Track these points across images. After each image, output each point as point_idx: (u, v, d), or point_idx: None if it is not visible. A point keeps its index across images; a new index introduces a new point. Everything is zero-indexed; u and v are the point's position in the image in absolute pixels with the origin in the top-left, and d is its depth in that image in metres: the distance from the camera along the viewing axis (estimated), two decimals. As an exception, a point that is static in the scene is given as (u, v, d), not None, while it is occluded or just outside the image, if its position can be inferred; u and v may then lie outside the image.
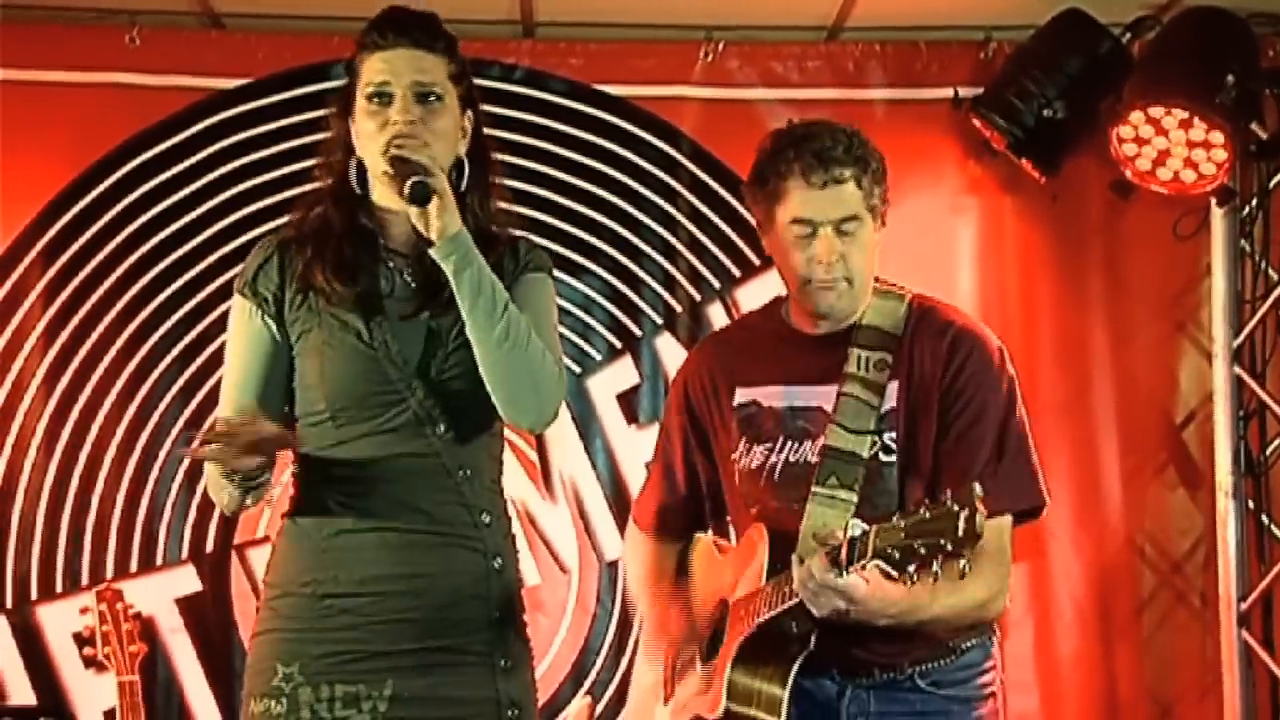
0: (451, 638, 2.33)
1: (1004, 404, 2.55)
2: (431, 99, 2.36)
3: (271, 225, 3.92)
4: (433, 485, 2.35)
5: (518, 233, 2.53)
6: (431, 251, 2.28)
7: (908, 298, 2.64)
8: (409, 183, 2.22)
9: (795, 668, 2.45)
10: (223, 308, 3.99)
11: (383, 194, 2.38)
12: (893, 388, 2.54)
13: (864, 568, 2.22)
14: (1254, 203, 4.22)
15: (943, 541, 2.11)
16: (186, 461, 4.05)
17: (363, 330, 2.34)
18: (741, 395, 2.66)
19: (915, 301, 2.63)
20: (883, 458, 2.52)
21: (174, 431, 4.07)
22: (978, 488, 2.11)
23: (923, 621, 2.41)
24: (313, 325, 2.36)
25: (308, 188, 2.51)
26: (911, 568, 2.15)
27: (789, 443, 2.59)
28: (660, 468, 2.86)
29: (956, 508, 2.11)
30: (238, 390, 2.40)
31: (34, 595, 4.02)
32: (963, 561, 2.11)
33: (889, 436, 2.53)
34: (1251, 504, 4.18)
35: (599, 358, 4.23)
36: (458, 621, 2.34)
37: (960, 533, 2.09)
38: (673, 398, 2.83)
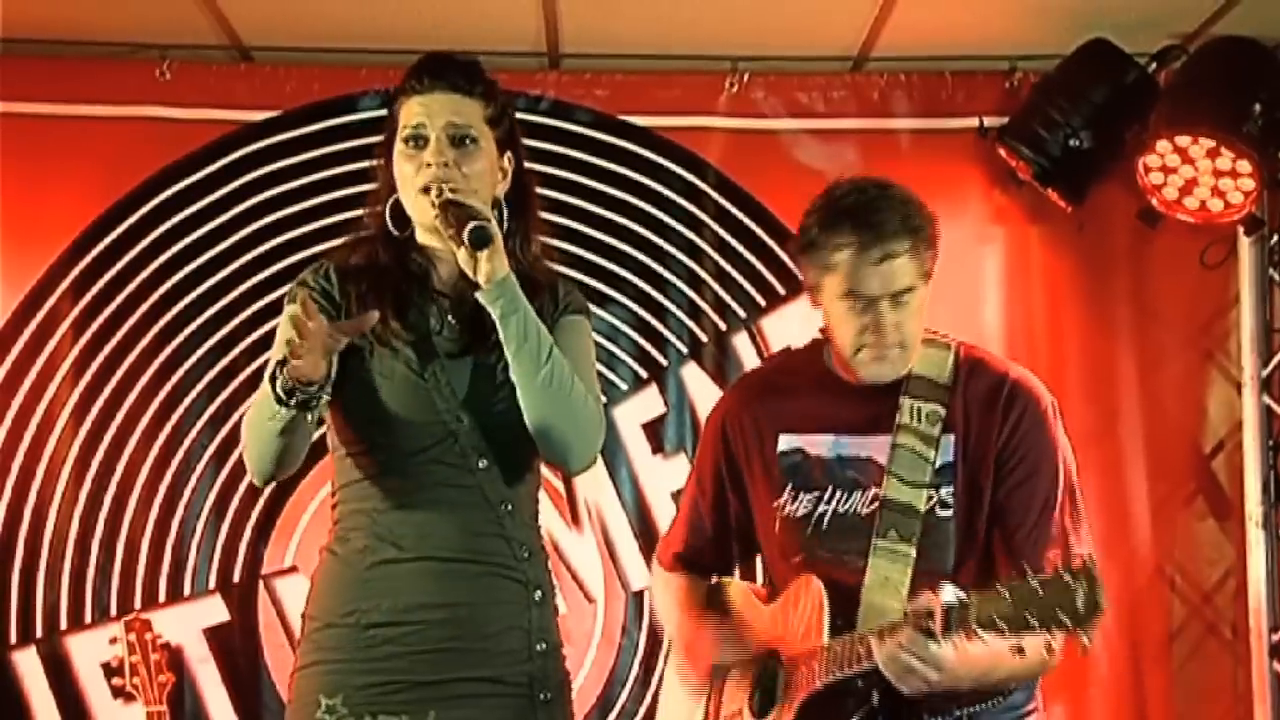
0: (493, 669, 2.34)
1: (1059, 458, 2.54)
2: (466, 142, 2.38)
3: (303, 254, 3.98)
4: (475, 517, 2.36)
5: (557, 268, 2.55)
6: (479, 295, 2.30)
7: (954, 346, 2.62)
8: (470, 227, 2.23)
9: None
10: (251, 338, 4.06)
11: (424, 235, 2.41)
12: (947, 441, 2.52)
13: (957, 636, 2.19)
14: (1282, 231, 4.21)
15: (1059, 614, 2.08)
16: (215, 493, 4.07)
17: (414, 361, 2.35)
18: (786, 442, 2.63)
19: (963, 351, 2.62)
20: (939, 513, 2.50)
21: (202, 463, 4.08)
22: (1091, 556, 2.10)
23: (999, 681, 2.41)
24: (364, 354, 2.36)
25: (354, 233, 2.52)
26: (1014, 638, 2.12)
27: (838, 493, 2.56)
28: (689, 507, 2.83)
29: (1070, 580, 2.07)
30: None
31: (63, 625, 4.04)
32: (1085, 637, 2.09)
33: (945, 491, 2.51)
34: (1282, 534, 4.17)
35: (625, 387, 4.23)
36: (499, 653, 2.34)
37: (1080, 606, 2.06)
38: (708, 436, 2.79)
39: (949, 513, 2.50)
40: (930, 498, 2.50)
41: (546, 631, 2.41)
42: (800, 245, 2.57)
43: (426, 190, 2.32)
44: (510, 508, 2.38)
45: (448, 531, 2.34)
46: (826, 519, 2.56)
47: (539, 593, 2.40)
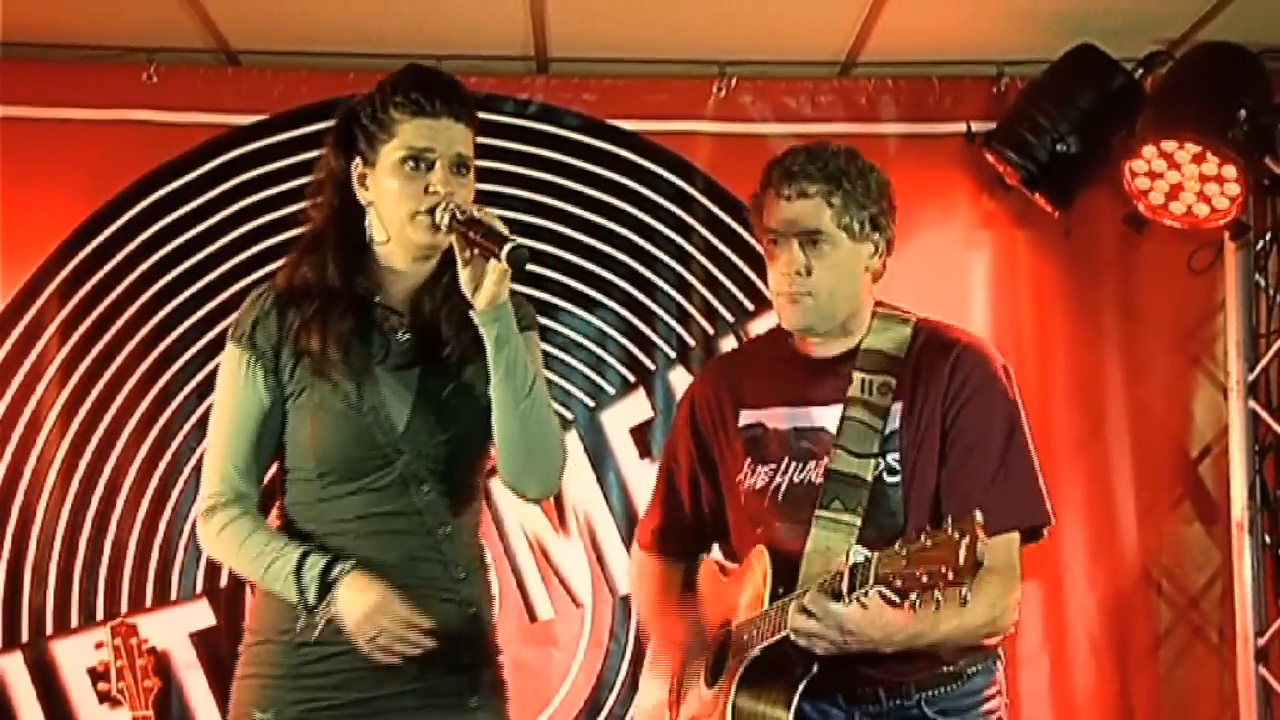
0: (424, 681, 2.39)
1: (1007, 421, 2.55)
2: (464, 170, 2.42)
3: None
4: (413, 543, 2.41)
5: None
6: (476, 315, 2.33)
7: (912, 320, 2.65)
8: (510, 247, 2.24)
9: (799, 692, 2.45)
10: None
11: (390, 252, 2.43)
12: (896, 409, 2.56)
13: (866, 595, 2.23)
14: (1268, 237, 4.22)
15: (944, 569, 2.12)
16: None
17: (353, 395, 2.39)
18: (746, 416, 2.68)
19: (920, 324, 2.65)
20: (886, 479, 2.54)
21: (189, 466, 4.07)
22: (979, 515, 2.12)
23: (933, 643, 2.42)
24: (306, 385, 2.41)
25: (299, 231, 2.54)
26: (914, 596, 2.16)
27: (793, 464, 2.60)
28: (663, 488, 2.88)
29: (957, 535, 2.12)
30: (229, 451, 2.44)
31: (49, 630, 4.02)
32: (964, 589, 2.12)
33: (892, 458, 2.54)
34: (1268, 539, 4.17)
35: (612, 391, 4.23)
36: (430, 666, 2.38)
37: (961, 560, 2.10)
38: (679, 418, 2.85)
39: (896, 479, 2.53)
40: (877, 466, 2.53)
41: (478, 643, 2.47)
42: (750, 205, 2.71)
43: (430, 212, 2.35)
44: (449, 530, 2.44)
45: (385, 557, 2.38)
46: (783, 490, 2.61)
47: (473, 609, 2.46)
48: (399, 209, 2.38)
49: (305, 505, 2.43)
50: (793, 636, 2.35)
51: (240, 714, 2.41)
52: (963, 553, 2.10)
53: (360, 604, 2.29)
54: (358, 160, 2.44)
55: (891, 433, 2.55)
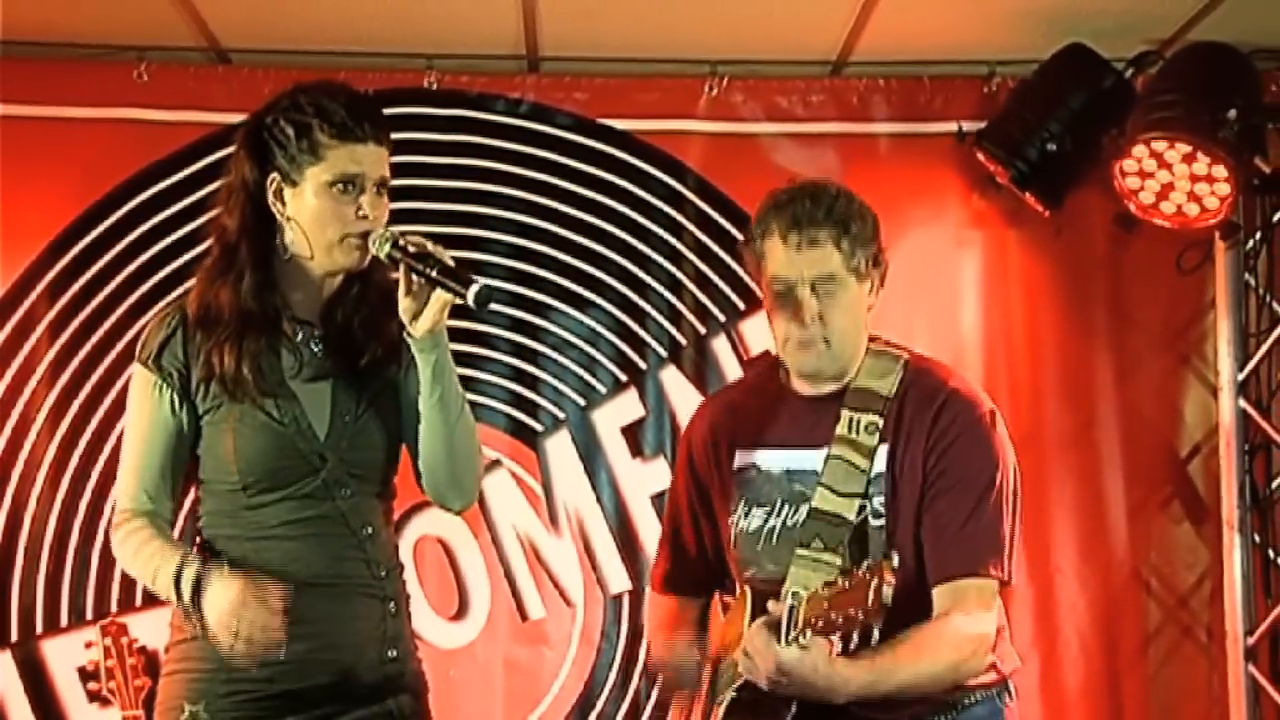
0: (350, 677, 2.45)
1: (988, 466, 2.53)
2: (383, 191, 2.47)
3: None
4: (338, 544, 2.47)
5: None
6: (411, 341, 2.41)
7: (903, 358, 2.63)
8: (479, 287, 2.29)
9: None
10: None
11: (305, 268, 2.46)
12: (882, 451, 2.54)
13: (800, 638, 2.23)
14: (1258, 237, 4.23)
15: (854, 611, 2.13)
16: (191, 495, 4.05)
17: (272, 409, 2.44)
18: (741, 458, 2.67)
19: (911, 363, 2.63)
20: (872, 522, 2.52)
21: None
22: (895, 557, 2.13)
23: (891, 691, 2.39)
24: (222, 401, 2.45)
25: (206, 245, 2.59)
26: (834, 637, 2.16)
27: (786, 506, 2.60)
28: (668, 530, 2.88)
29: (868, 576, 2.12)
30: (139, 474, 2.49)
31: (39, 629, 4.01)
32: (874, 632, 2.13)
33: (878, 501, 2.52)
34: (1257, 538, 4.18)
35: (604, 391, 4.23)
36: (356, 663, 2.45)
37: (869, 602, 2.11)
38: (679, 459, 2.85)
39: (881, 522, 2.52)
40: (862, 508, 2.52)
41: (399, 640, 2.54)
42: (744, 245, 2.65)
43: (362, 236, 2.41)
44: (370, 531, 2.50)
45: (311, 559, 2.45)
46: (776, 533, 2.60)
47: (393, 605, 2.53)
48: (327, 232, 2.44)
49: (226, 514, 2.48)
50: (738, 660, 2.35)
51: (170, 708, 2.45)
52: (871, 595, 2.10)
53: (221, 600, 2.32)
54: (275, 175, 2.47)
55: (877, 475, 2.53)
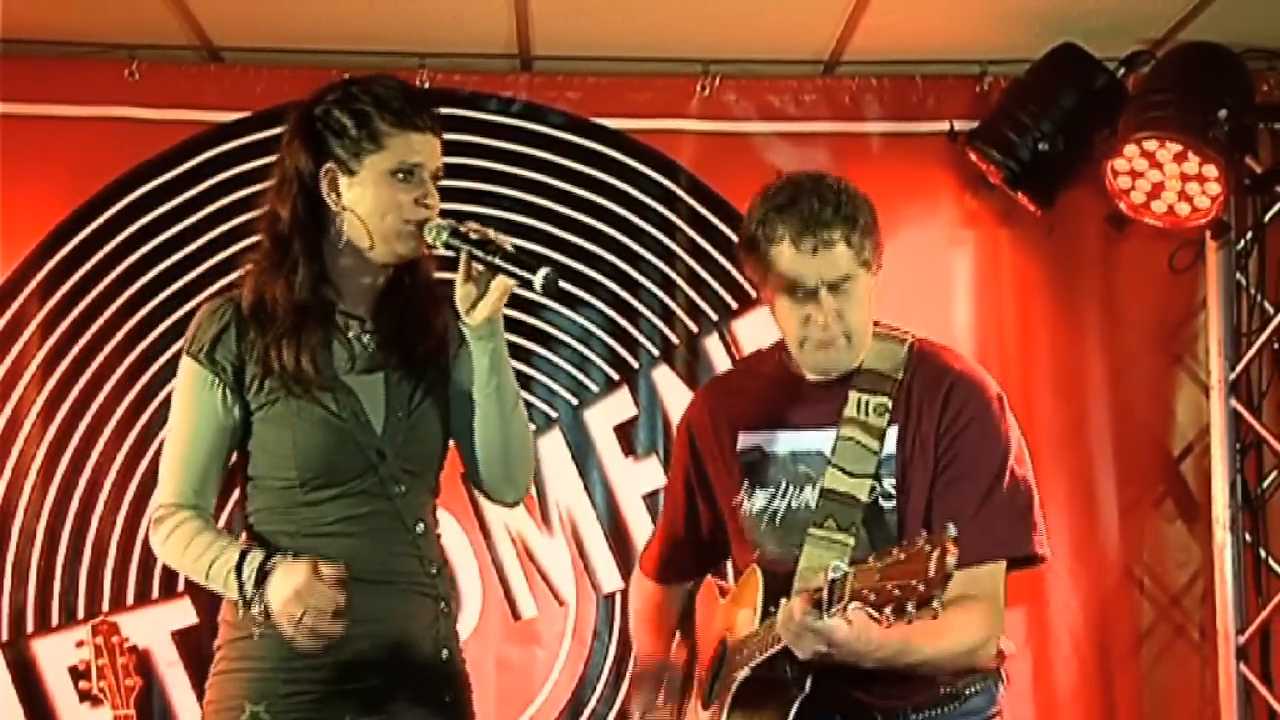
0: (406, 676, 2.44)
1: (999, 452, 2.53)
2: (436, 182, 2.47)
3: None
4: (392, 540, 2.46)
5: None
6: (467, 329, 2.40)
7: (909, 341, 2.63)
8: (546, 274, 2.30)
9: (792, 712, 2.43)
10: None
11: (361, 259, 2.44)
12: (892, 432, 2.54)
13: (845, 609, 2.21)
14: (1249, 236, 4.23)
15: (914, 582, 2.10)
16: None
17: (330, 403, 2.42)
18: (744, 440, 2.66)
19: (916, 345, 2.63)
20: (883, 503, 2.52)
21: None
22: (951, 529, 2.09)
23: (912, 664, 2.40)
24: (278, 396, 2.43)
25: (253, 240, 2.56)
26: (888, 609, 2.13)
27: (791, 488, 2.59)
28: (665, 512, 2.88)
29: (928, 547, 2.10)
30: (184, 468, 2.47)
31: (29, 628, 4.01)
32: (935, 603, 2.09)
33: (889, 483, 2.52)
34: (1249, 537, 4.18)
35: (596, 390, 4.23)
36: (410, 660, 2.44)
37: (931, 572, 2.08)
38: (677, 442, 2.85)
39: (892, 504, 2.52)
40: (873, 489, 2.52)
41: (450, 639, 2.54)
42: (742, 246, 2.61)
43: (420, 224, 2.40)
44: (423, 527, 2.50)
45: (368, 555, 2.43)
46: (780, 514, 2.59)
47: (445, 605, 2.53)
48: (387, 220, 2.42)
49: (279, 511, 2.45)
50: (782, 635, 2.32)
51: (228, 707, 2.42)
52: (933, 565, 2.08)
53: (287, 585, 2.30)
54: (330, 165, 2.44)
55: (888, 456, 2.53)
